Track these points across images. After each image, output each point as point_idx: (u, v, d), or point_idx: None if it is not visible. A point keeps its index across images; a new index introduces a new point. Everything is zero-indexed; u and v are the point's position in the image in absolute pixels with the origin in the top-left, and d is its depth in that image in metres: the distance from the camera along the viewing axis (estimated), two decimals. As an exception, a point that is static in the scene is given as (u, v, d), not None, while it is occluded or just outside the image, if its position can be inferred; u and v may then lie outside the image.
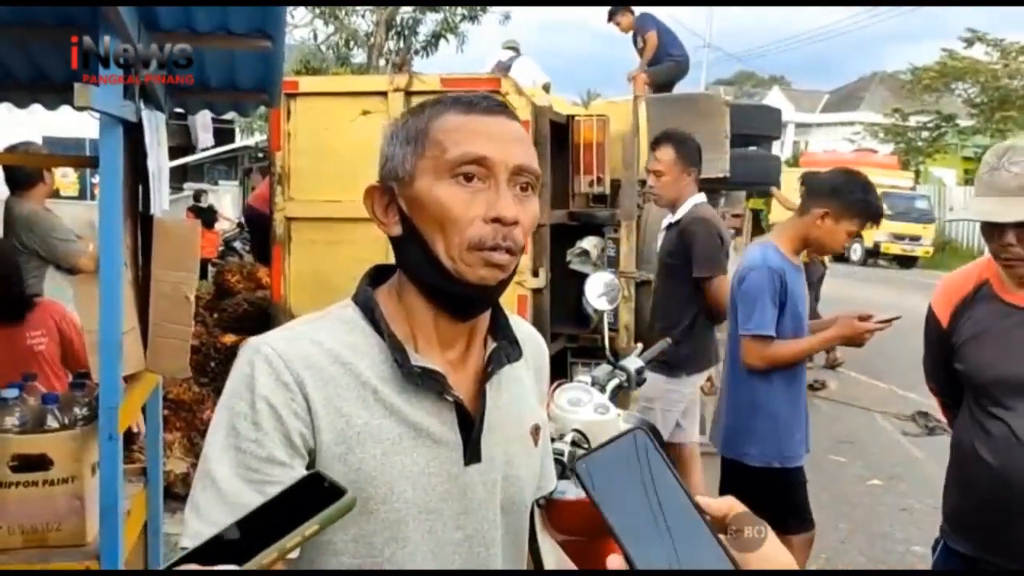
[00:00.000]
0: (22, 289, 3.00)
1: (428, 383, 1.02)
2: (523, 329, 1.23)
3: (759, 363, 3.00)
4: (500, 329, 1.13)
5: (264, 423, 0.95)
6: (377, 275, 1.13)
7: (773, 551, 0.79)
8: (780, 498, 3.02)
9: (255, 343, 1.01)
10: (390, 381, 1.02)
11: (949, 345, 2.17)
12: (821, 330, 3.14)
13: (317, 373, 0.99)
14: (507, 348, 1.11)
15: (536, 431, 1.16)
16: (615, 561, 0.76)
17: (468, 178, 1.01)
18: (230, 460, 0.94)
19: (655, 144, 3.80)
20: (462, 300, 1.04)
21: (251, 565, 0.61)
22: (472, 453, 1.06)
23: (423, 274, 1.04)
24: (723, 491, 3.28)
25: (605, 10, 7.78)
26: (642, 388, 3.10)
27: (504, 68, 7.51)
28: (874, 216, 3.01)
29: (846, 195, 2.96)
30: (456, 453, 1.05)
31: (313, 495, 0.67)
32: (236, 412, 0.96)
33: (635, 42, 7.64)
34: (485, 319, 1.11)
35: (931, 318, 2.26)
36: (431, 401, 1.03)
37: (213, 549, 0.63)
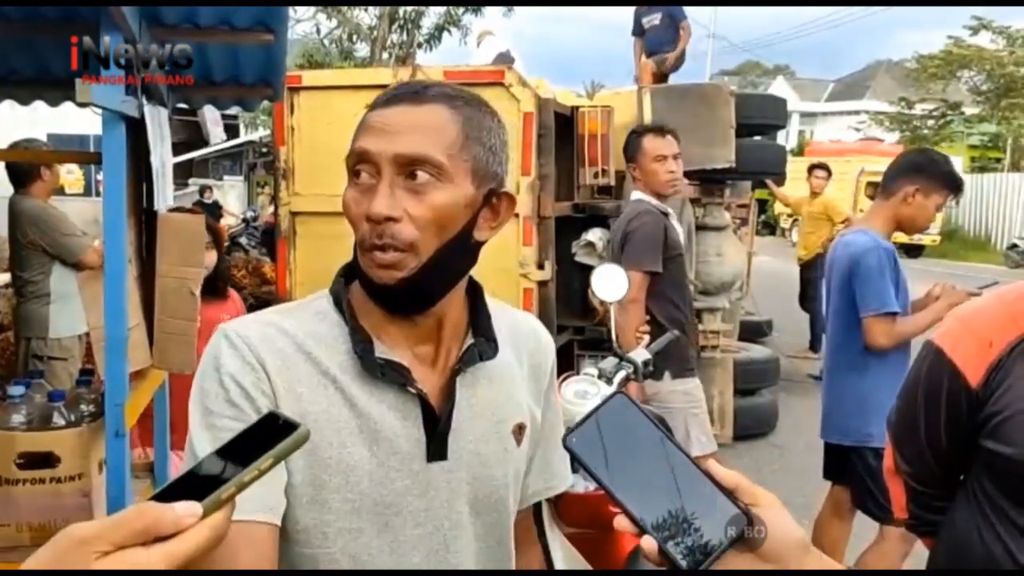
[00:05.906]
0: (229, 267, 3.08)
1: (391, 375, 1.01)
2: (523, 326, 1.20)
3: (888, 342, 2.99)
4: (479, 326, 1.10)
5: (236, 399, 0.96)
6: (353, 270, 1.12)
7: (786, 526, 0.78)
8: None
9: (222, 328, 1.02)
10: (351, 372, 1.01)
11: (978, 415, 1.45)
12: (920, 306, 3.14)
13: (279, 357, 0.99)
14: (483, 345, 1.08)
15: (520, 430, 1.13)
16: (648, 542, 0.75)
17: (358, 175, 1.01)
18: (209, 438, 0.95)
19: (662, 132, 3.54)
20: (380, 299, 1.03)
21: (211, 500, 0.64)
22: (436, 450, 1.04)
23: (359, 273, 1.05)
24: (849, 480, 3.19)
25: (604, 7, 7.51)
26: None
27: (508, 59, 7.42)
28: (957, 187, 3.06)
29: (933, 169, 3.03)
30: (418, 449, 1.03)
31: (269, 433, 0.70)
32: (206, 392, 0.98)
33: (638, 19, 7.39)
34: (452, 315, 1.08)
35: (947, 371, 1.47)
36: (394, 394, 1.02)
37: (176, 491, 0.65)
